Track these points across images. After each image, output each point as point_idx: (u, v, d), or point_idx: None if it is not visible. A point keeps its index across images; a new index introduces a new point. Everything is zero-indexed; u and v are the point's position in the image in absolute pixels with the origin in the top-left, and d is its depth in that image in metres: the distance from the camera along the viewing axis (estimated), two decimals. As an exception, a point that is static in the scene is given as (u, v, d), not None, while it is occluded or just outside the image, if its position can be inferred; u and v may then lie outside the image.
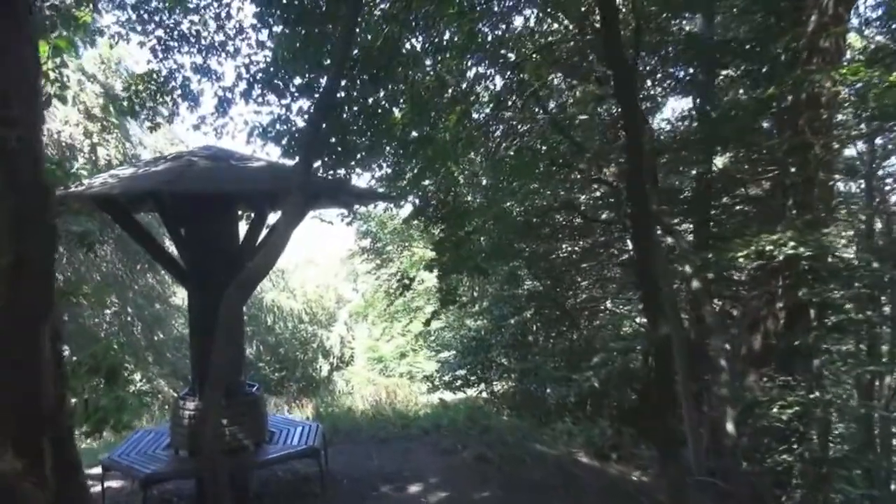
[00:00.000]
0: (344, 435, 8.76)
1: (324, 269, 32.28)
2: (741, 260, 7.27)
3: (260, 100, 6.78)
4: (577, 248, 13.43)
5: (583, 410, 10.87)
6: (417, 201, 7.83)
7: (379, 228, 17.37)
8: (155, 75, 7.83)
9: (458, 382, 13.01)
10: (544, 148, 10.33)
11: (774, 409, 7.49)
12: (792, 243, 6.73)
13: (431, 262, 8.28)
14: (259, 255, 7.15)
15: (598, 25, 7.35)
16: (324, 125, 5.53)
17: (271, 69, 6.50)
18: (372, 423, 9.42)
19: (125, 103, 7.98)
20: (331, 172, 6.45)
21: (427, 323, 9.07)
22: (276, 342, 29.47)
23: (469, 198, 9.06)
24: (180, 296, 27.68)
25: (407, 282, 8.25)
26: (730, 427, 7.54)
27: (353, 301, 28.89)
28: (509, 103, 9.28)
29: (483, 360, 13.06)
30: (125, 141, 18.42)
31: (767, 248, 6.87)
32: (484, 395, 13.30)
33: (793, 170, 7.81)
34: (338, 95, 5.71)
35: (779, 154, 7.83)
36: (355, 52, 5.95)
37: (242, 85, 6.93)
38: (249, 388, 7.08)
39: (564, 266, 13.37)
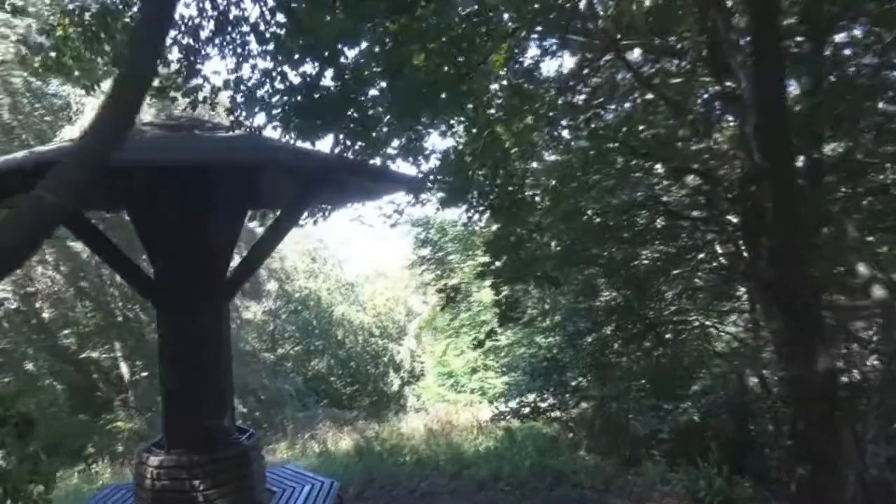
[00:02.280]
0: (378, 488, 6.75)
1: (394, 281, 30.57)
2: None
3: (240, 49, 4.82)
4: (661, 253, 11.13)
5: (680, 449, 8.48)
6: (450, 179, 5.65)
7: (439, 235, 15.41)
8: (89, 14, 5.25)
9: (527, 409, 10.79)
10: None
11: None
12: None
13: (483, 268, 6.20)
14: (244, 260, 5.29)
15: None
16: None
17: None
18: (416, 469, 7.35)
19: (53, 55, 5.51)
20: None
21: (479, 345, 6.90)
22: (346, 356, 27.97)
23: (529, 183, 6.88)
24: (250, 310, 26.65)
25: (452, 294, 6.12)
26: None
27: (423, 313, 27.03)
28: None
29: (556, 383, 10.80)
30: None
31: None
32: (556, 422, 11.04)
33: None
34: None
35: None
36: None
37: (210, 26, 4.94)
38: (238, 437, 5.15)
39: (648, 273, 11.03)
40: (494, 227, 6.42)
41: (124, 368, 17.49)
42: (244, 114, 4.85)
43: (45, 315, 12.42)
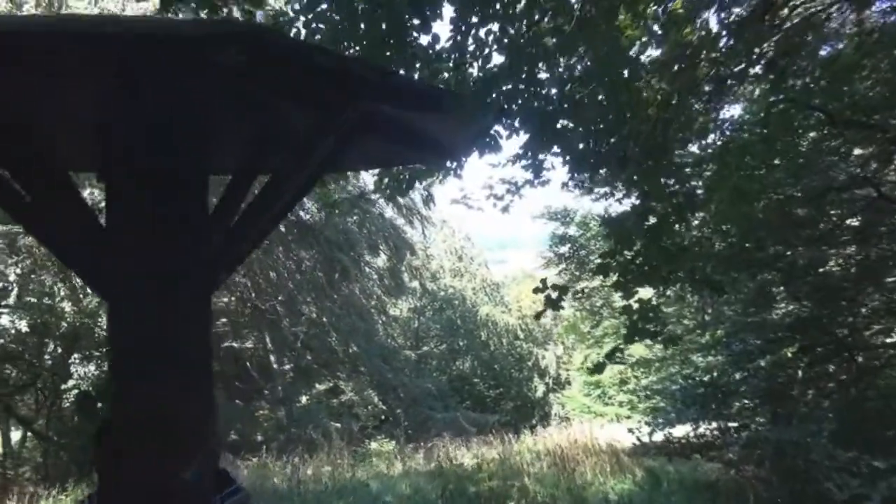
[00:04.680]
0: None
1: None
2: None
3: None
4: (859, 255, 8.28)
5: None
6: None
7: (581, 231, 13.20)
8: None
9: (676, 444, 8.37)
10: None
11: None
12: None
13: (605, 261, 4.11)
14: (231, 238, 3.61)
15: None
16: None
17: None
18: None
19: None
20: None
21: (597, 369, 4.72)
22: (490, 358, 26.32)
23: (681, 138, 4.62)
24: (397, 306, 25.82)
25: (554, 294, 4.09)
26: None
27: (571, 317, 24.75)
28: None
29: (715, 415, 8.30)
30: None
31: None
32: (715, 462, 8.50)
33: None
34: None
35: None
36: None
37: None
38: (229, 493, 3.45)
39: (841, 281, 8.24)
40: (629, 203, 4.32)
41: (271, 358, 17.05)
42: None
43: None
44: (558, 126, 3.13)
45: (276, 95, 2.76)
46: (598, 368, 4.55)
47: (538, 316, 4.66)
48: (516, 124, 3.20)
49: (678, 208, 3.85)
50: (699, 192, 4.34)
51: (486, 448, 12.70)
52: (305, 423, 16.29)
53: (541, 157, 6.20)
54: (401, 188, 4.77)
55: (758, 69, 5.36)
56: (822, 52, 6.71)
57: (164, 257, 3.03)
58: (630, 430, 8.62)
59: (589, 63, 3.15)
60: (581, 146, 3.48)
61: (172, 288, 3.05)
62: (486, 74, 3.07)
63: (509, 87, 2.89)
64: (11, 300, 10.18)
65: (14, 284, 9.94)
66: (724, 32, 4.87)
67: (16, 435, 16.66)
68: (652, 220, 3.90)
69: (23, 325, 11.03)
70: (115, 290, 3.06)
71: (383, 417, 20.84)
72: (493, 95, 2.82)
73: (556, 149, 3.68)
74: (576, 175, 4.47)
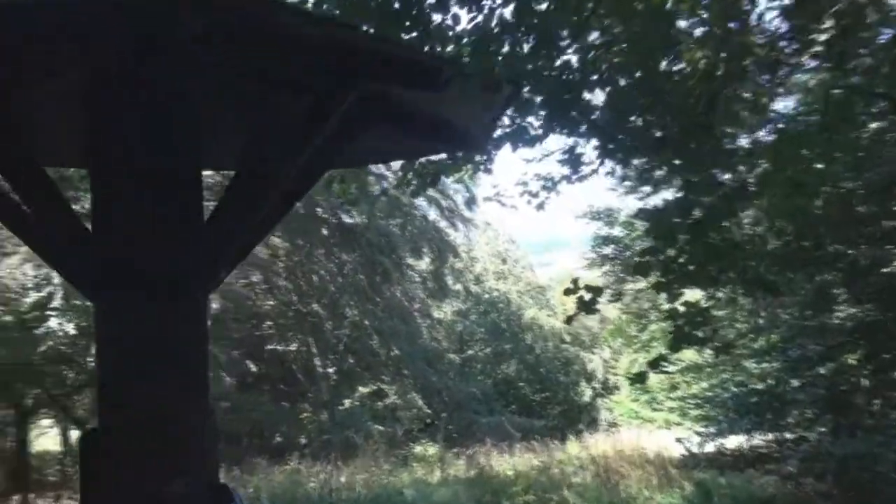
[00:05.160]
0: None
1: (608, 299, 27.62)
2: None
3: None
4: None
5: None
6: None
7: (626, 232, 12.65)
8: None
9: (729, 456, 7.80)
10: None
11: None
12: None
13: (643, 258, 3.69)
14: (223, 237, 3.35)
15: None
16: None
17: None
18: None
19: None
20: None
21: (638, 378, 4.27)
22: (536, 362, 25.78)
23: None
24: (441, 309, 25.52)
25: (586, 296, 3.69)
26: None
27: (617, 321, 24.03)
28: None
29: (771, 425, 7.72)
30: None
31: None
32: (772, 475, 7.91)
33: None
34: None
35: None
36: None
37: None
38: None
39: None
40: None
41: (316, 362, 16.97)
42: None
43: (214, 306, 11.81)
44: (583, 100, 2.75)
45: (259, 79, 2.47)
46: (639, 378, 4.13)
47: (569, 320, 4.27)
48: (536, 100, 2.83)
49: (726, 200, 3.42)
50: (750, 181, 3.88)
51: (530, 455, 12.29)
52: (348, 426, 16.14)
53: (578, 149, 5.79)
54: (425, 183, 4.45)
55: (815, 50, 4.86)
56: (885, 35, 6.12)
57: (158, 257, 2.79)
58: (679, 440, 8.09)
59: (616, 25, 2.76)
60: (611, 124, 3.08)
61: (166, 289, 2.79)
62: (487, 31, 2.68)
63: (513, 48, 2.53)
64: (57, 303, 10.27)
65: (59, 287, 10.02)
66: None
67: (74, 434, 17.07)
68: (696, 213, 3.48)
69: (70, 328, 11.12)
70: (103, 291, 2.82)
71: (428, 421, 20.60)
72: (498, 59, 2.46)
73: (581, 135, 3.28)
74: (607, 161, 4.05)
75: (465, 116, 2.82)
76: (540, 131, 4.75)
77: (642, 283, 12.29)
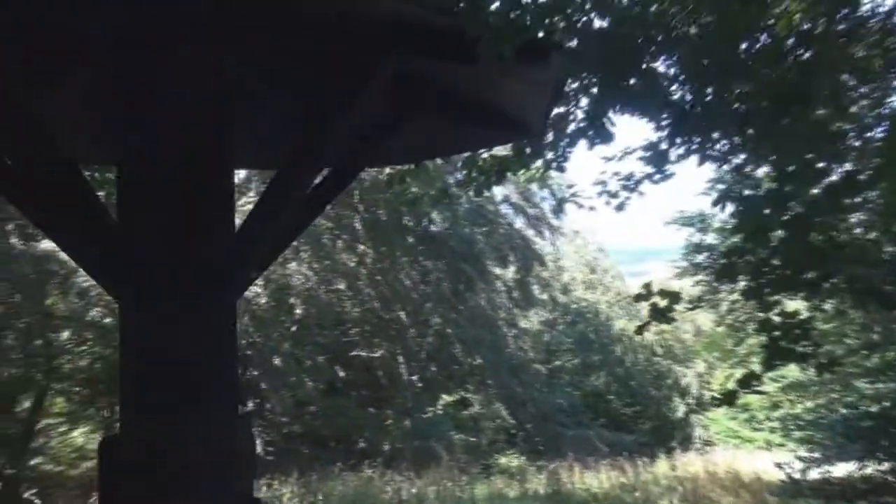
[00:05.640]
0: None
1: (685, 305, 26.27)
2: None
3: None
4: None
5: None
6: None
7: (721, 238, 11.74)
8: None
9: (837, 486, 6.95)
10: None
11: None
12: None
13: (730, 259, 3.15)
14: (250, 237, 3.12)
15: None
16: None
17: None
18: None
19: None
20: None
21: (726, 399, 3.72)
22: (626, 374, 24.75)
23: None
24: (528, 319, 24.96)
25: (659, 303, 3.22)
26: None
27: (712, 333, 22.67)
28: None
29: (887, 453, 6.84)
30: None
31: None
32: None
33: None
34: None
35: None
36: None
37: None
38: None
39: None
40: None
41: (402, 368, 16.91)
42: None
43: (298, 311, 11.94)
44: (643, 67, 2.32)
45: (282, 57, 2.23)
46: (727, 398, 3.60)
47: (641, 329, 3.81)
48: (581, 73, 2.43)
49: (831, 193, 2.89)
50: (860, 171, 3.28)
51: (616, 473, 11.62)
52: (430, 435, 15.93)
53: (661, 145, 5.30)
54: (488, 181, 4.12)
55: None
56: None
57: (188, 258, 2.61)
58: (779, 466, 7.31)
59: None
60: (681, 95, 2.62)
61: (193, 288, 2.61)
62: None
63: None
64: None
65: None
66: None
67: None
68: (793, 208, 2.96)
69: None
70: (126, 288, 2.66)
71: (513, 432, 20.10)
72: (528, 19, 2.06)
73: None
74: (678, 140, 3.56)
75: (513, 98, 2.47)
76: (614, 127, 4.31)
77: (739, 293, 11.37)
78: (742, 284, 3.38)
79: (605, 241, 29.12)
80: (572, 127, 4.90)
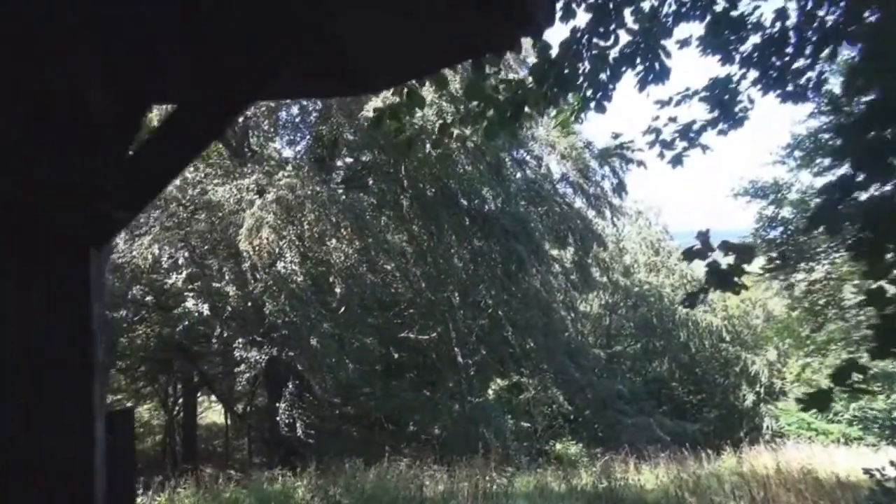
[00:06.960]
0: None
1: (752, 279, 24.47)
2: None
3: None
4: None
5: None
6: None
7: (798, 212, 10.32)
8: None
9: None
10: None
11: None
12: None
13: (859, 241, 2.17)
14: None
15: None
16: None
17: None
18: None
19: None
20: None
21: (816, 403, 2.71)
22: (690, 361, 23.25)
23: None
24: (587, 301, 23.74)
25: (726, 265, 2.31)
26: None
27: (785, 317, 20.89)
28: None
29: None
30: None
31: None
32: None
33: None
34: None
35: None
36: None
37: None
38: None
39: None
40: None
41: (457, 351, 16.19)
42: None
43: (338, 290, 11.29)
44: None
45: None
46: (819, 401, 2.54)
47: (691, 303, 2.80)
48: None
49: None
50: None
51: (676, 465, 10.51)
52: (481, 420, 15.08)
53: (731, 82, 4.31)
54: (503, 119, 3.18)
55: None
56: None
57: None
58: (868, 473, 6.09)
59: None
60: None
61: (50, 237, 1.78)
62: None
63: None
64: (180, 283, 10.18)
65: (183, 268, 9.90)
66: None
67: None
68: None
69: (205, 309, 11.01)
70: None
71: (572, 417, 19.14)
72: None
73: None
74: (769, 87, 2.58)
75: None
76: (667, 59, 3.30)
77: (818, 273, 10.00)
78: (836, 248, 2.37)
79: (670, 222, 27.38)
80: (615, 53, 3.87)
